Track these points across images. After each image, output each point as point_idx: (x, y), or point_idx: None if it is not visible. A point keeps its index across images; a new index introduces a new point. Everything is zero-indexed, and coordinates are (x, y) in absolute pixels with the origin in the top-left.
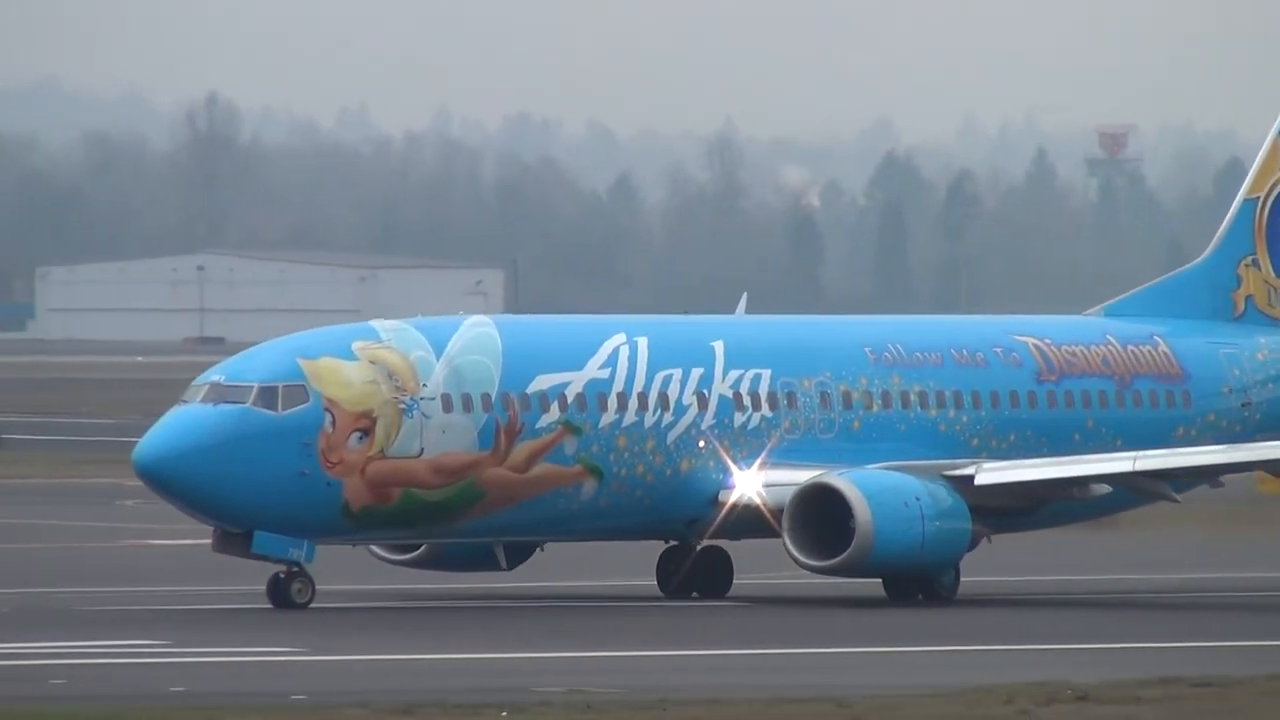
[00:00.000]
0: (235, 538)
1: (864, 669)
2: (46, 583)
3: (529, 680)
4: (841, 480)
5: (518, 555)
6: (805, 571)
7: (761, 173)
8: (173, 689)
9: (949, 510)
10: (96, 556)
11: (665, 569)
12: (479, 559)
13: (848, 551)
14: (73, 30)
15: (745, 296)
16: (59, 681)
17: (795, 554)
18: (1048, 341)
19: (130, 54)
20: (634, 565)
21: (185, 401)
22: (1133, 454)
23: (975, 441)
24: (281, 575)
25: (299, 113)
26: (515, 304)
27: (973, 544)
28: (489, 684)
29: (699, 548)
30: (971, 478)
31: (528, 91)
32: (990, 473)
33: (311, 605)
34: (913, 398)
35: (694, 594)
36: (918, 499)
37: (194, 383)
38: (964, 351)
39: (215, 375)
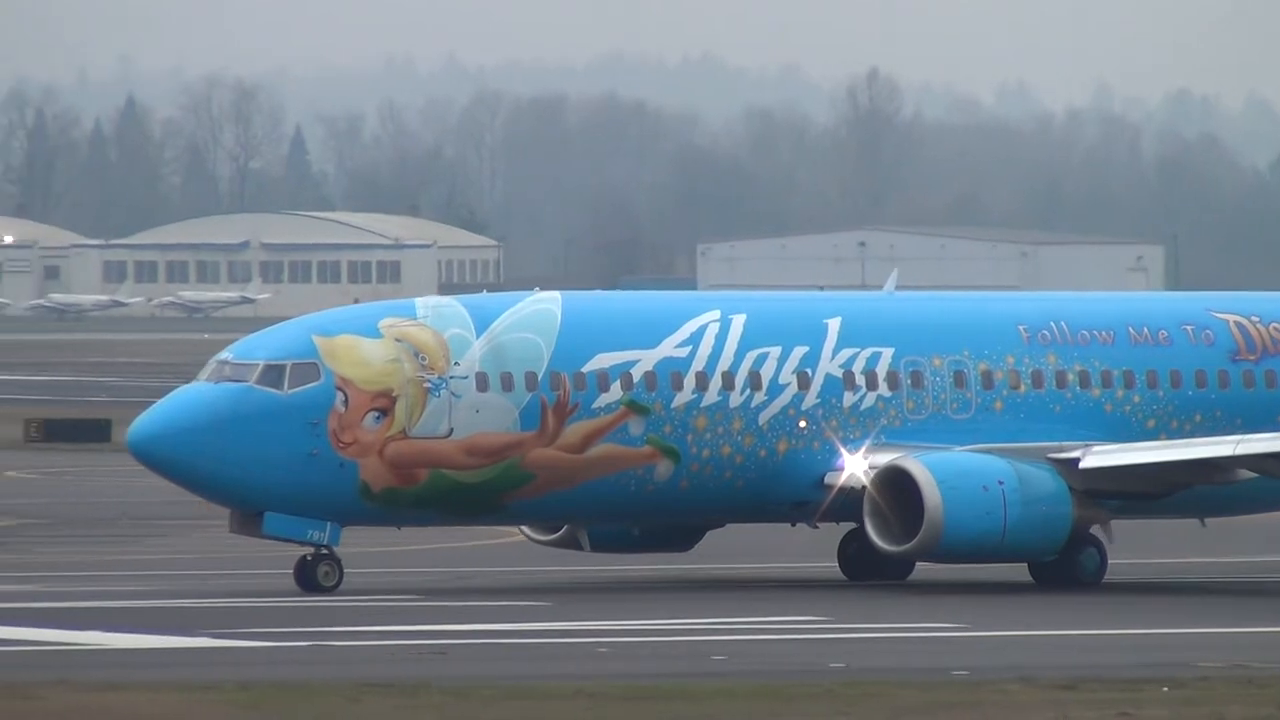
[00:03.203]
0: (251, 519)
1: None
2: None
3: (1191, 655)
4: (915, 463)
5: (689, 537)
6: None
7: None
8: (832, 664)
9: (1042, 494)
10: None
11: (846, 551)
12: (648, 541)
13: (917, 536)
14: (729, 7)
15: (895, 272)
16: (720, 657)
17: (874, 538)
18: (1254, 319)
19: (790, 30)
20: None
21: (195, 380)
22: (1237, 437)
23: (1151, 423)
24: (308, 558)
25: (959, 89)
26: (1175, 281)
27: (1078, 529)
28: (1150, 659)
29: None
30: (1077, 461)
31: (1188, 69)
32: (1098, 456)
33: (339, 589)
34: (1071, 377)
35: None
36: (1000, 483)
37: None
38: (1144, 329)
39: (226, 353)
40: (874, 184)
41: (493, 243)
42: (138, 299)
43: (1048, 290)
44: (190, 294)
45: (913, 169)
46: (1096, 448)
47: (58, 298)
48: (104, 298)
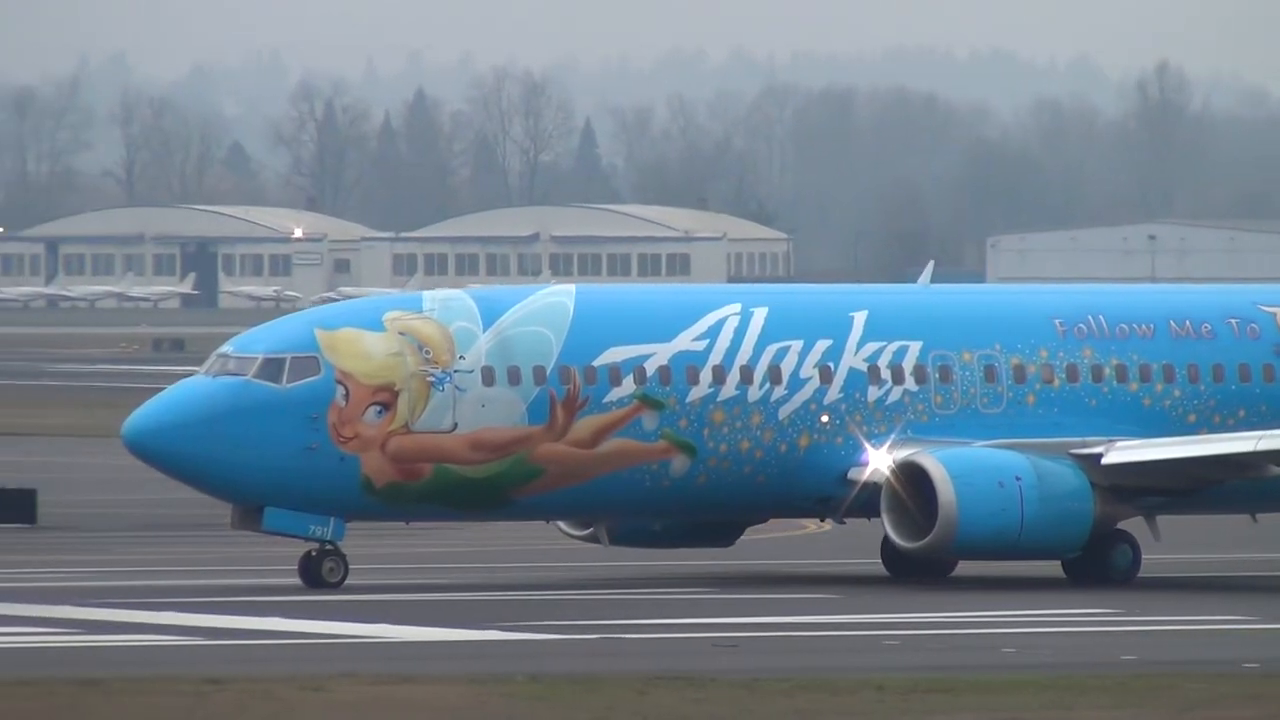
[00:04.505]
0: (251, 514)
1: None
2: None
3: None
4: (929, 459)
5: (727, 533)
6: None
7: None
8: (1124, 657)
9: (1063, 491)
10: None
11: (888, 549)
12: (682, 537)
13: (932, 533)
14: (1024, 5)
15: (931, 265)
16: (1009, 650)
17: (891, 534)
18: None
19: (1079, 22)
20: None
21: (195, 374)
22: (1260, 433)
23: (1192, 418)
24: (313, 554)
25: (1249, 80)
26: None
27: (1102, 526)
28: None
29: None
30: (1099, 456)
31: None
32: (1121, 451)
33: (344, 584)
34: (1108, 371)
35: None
36: (1017, 479)
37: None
38: (1185, 323)
39: (227, 346)
40: (1163, 177)
41: (782, 235)
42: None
43: None
44: (478, 287)
45: (1202, 162)
46: (1121, 443)
47: (347, 291)
48: (394, 290)
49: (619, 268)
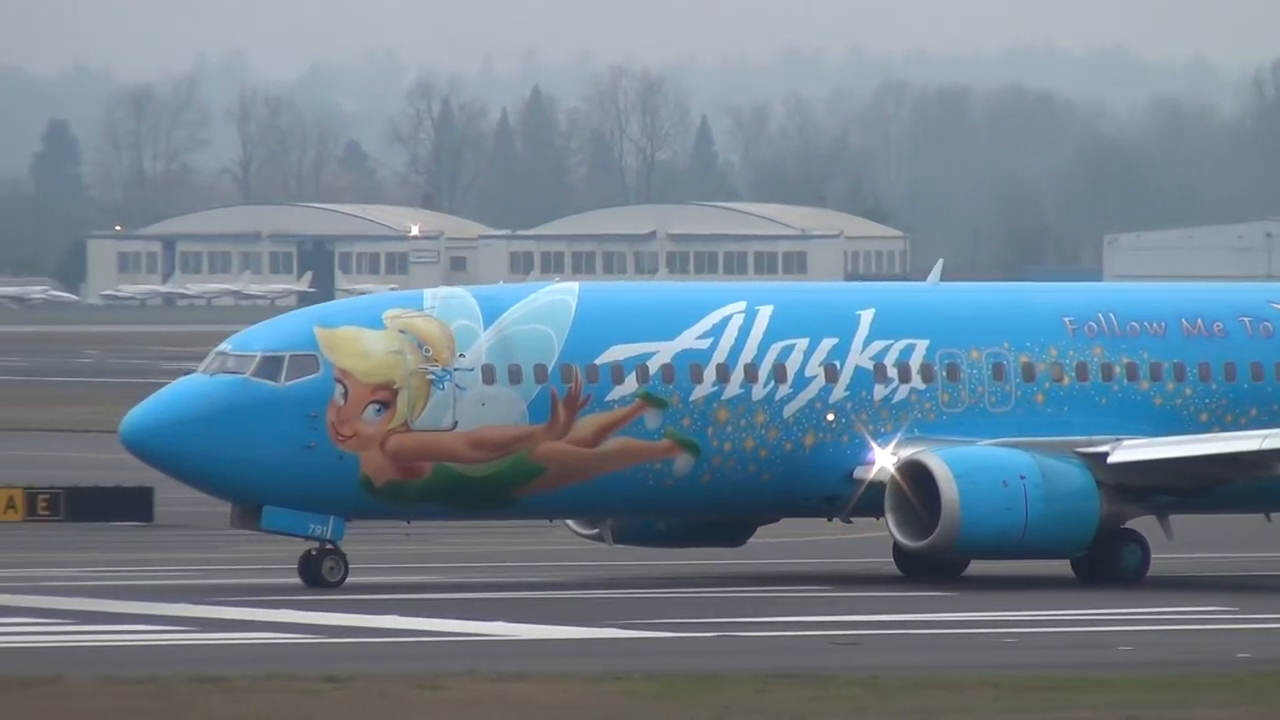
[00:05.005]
0: (251, 513)
1: None
2: None
3: None
4: (933, 458)
5: (737, 533)
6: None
7: None
8: (1239, 655)
9: (1068, 490)
10: None
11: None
12: (689, 536)
13: (935, 532)
14: (1140, 3)
15: (940, 263)
16: (1126, 648)
17: (895, 533)
18: None
19: (1195, 20)
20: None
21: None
22: (1264, 431)
23: (1204, 416)
24: (313, 553)
25: None
26: None
27: (1109, 525)
28: None
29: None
30: (1105, 455)
31: None
32: (1127, 450)
33: (344, 583)
34: (1118, 370)
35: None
36: (1022, 477)
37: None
38: (1197, 321)
39: (226, 344)
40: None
41: (898, 233)
42: None
43: None
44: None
45: None
46: (1127, 442)
47: None
48: None
49: (735, 266)
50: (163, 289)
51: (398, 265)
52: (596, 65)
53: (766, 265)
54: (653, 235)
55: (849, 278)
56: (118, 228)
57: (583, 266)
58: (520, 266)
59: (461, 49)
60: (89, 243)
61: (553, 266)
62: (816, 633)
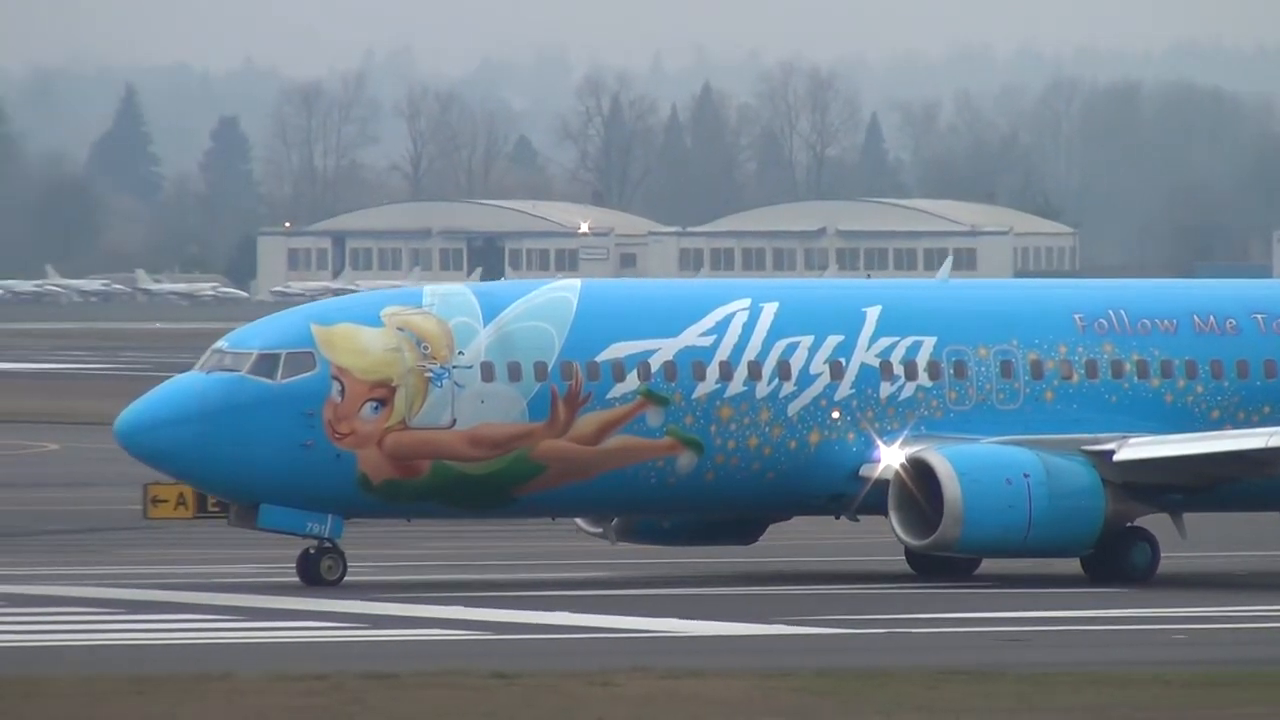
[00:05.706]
0: (249, 511)
1: None
2: None
3: None
4: (935, 455)
5: (748, 531)
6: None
7: None
8: None
9: (1073, 488)
10: None
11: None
12: (698, 535)
13: (938, 530)
14: None
15: (950, 260)
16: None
17: (898, 531)
18: None
19: None
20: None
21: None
22: (1272, 429)
23: (1216, 414)
24: (311, 551)
25: None
26: None
27: (1115, 523)
28: None
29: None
30: (1111, 453)
31: None
32: (1133, 448)
33: (343, 582)
34: (1129, 367)
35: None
36: (1026, 475)
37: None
38: (1209, 318)
39: (223, 342)
40: None
41: (1068, 230)
42: None
43: None
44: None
45: None
46: (1133, 439)
47: None
48: None
49: (905, 262)
50: (333, 285)
51: (568, 262)
52: (766, 62)
53: (936, 262)
54: (822, 232)
55: (1018, 274)
56: (287, 224)
57: (752, 263)
58: (690, 263)
59: (631, 46)
60: (259, 239)
61: (722, 263)
62: (985, 629)
